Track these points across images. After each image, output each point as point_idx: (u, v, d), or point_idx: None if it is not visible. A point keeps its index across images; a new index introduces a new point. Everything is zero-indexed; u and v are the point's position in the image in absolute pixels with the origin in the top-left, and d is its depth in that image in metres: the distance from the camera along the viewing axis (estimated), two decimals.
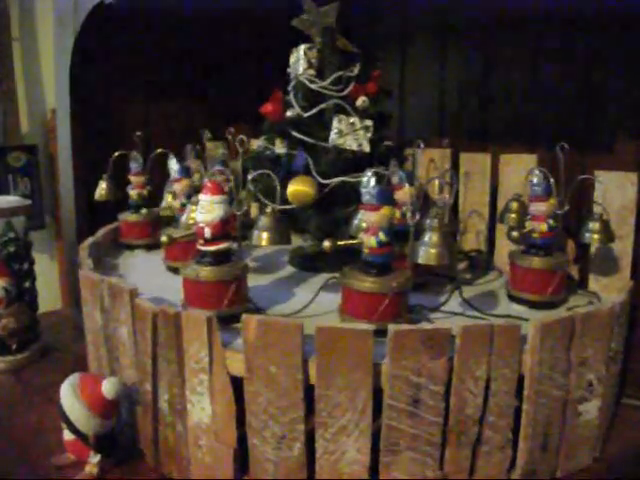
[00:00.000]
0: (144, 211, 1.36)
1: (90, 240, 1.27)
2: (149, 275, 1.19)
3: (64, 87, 1.49)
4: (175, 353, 0.89)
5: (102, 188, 1.34)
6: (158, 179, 1.34)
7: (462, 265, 1.25)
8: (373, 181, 0.86)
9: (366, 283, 0.88)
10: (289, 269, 1.24)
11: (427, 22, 1.42)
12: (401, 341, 0.79)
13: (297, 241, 1.28)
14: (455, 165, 1.30)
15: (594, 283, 1.13)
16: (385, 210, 0.86)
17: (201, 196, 0.94)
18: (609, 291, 1.09)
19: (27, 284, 1.34)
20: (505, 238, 1.11)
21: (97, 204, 1.38)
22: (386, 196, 0.87)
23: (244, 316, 0.83)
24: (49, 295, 1.95)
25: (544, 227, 1.02)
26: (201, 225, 0.93)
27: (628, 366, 1.15)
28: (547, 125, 1.28)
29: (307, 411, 0.84)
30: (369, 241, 0.88)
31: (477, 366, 0.83)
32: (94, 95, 1.53)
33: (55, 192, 2.34)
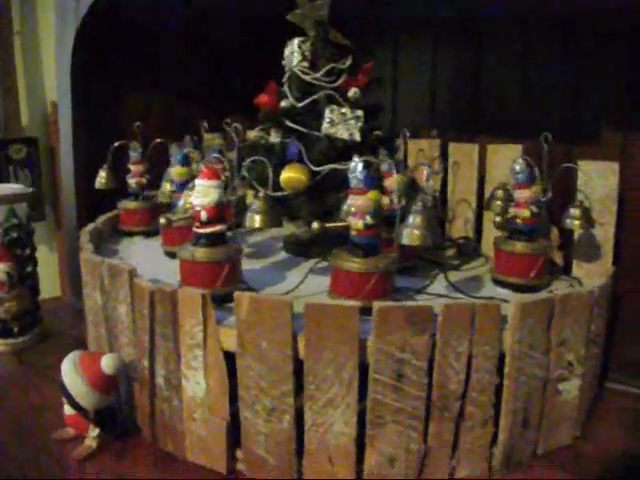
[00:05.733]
0: (143, 198, 1.40)
1: (91, 226, 1.31)
2: (148, 260, 1.22)
3: (65, 79, 1.52)
4: (171, 330, 0.93)
5: (102, 177, 1.37)
6: (157, 168, 1.38)
7: (450, 252, 1.29)
8: (360, 166, 0.90)
9: (353, 263, 0.92)
10: (283, 255, 1.28)
11: (419, 14, 1.46)
12: (385, 317, 0.83)
13: (291, 228, 1.31)
14: (444, 155, 1.34)
15: (577, 269, 1.16)
16: (371, 194, 0.90)
17: (197, 181, 0.97)
18: (592, 277, 1.12)
19: (29, 269, 1.37)
20: (492, 225, 1.15)
21: (97, 195, 1.42)
22: (372, 180, 0.90)
23: (236, 293, 0.86)
24: (48, 285, 1.98)
25: (527, 213, 1.05)
26: (197, 208, 0.97)
27: (613, 352, 1.19)
28: (536, 116, 1.31)
29: (297, 385, 0.88)
30: (356, 224, 0.92)
31: (459, 343, 0.87)
32: (95, 87, 1.56)
33: (55, 184, 2.37)
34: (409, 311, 0.83)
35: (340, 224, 0.94)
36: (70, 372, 0.97)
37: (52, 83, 2.26)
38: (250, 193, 1.25)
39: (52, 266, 2.37)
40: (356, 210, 0.92)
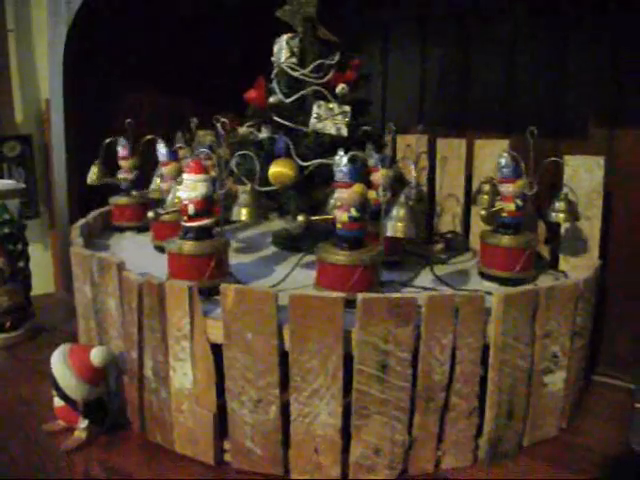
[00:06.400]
0: (134, 194, 1.41)
1: (81, 221, 1.31)
2: (138, 254, 1.23)
3: (57, 76, 1.53)
4: (159, 322, 0.94)
5: (93, 172, 1.38)
6: (150, 164, 1.38)
7: (438, 246, 1.30)
8: (345, 160, 0.91)
9: (338, 256, 0.92)
10: (272, 249, 1.29)
11: (408, 11, 1.47)
12: (369, 309, 0.84)
13: (280, 223, 1.32)
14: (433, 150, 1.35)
15: (564, 263, 1.17)
16: (357, 187, 0.91)
17: (185, 175, 0.98)
18: (578, 271, 1.12)
19: (21, 264, 1.38)
20: (480, 220, 1.16)
21: (90, 193, 1.43)
22: (357, 174, 0.91)
23: (222, 285, 0.87)
24: (42, 283, 1.99)
25: (512, 207, 1.06)
26: (185, 202, 0.97)
27: (601, 345, 1.21)
28: (523, 112, 1.33)
29: (283, 377, 0.88)
30: (341, 217, 0.92)
31: (443, 334, 0.88)
32: (87, 84, 1.57)
33: (49, 181, 2.38)
34: (393, 302, 0.84)
35: (326, 217, 0.95)
36: (59, 364, 0.98)
37: (46, 80, 2.27)
38: (239, 188, 1.26)
39: (47, 264, 2.39)
40: (341, 203, 0.93)
